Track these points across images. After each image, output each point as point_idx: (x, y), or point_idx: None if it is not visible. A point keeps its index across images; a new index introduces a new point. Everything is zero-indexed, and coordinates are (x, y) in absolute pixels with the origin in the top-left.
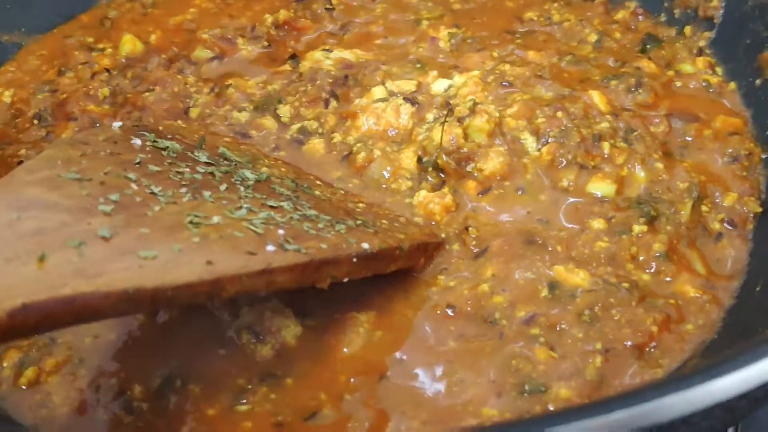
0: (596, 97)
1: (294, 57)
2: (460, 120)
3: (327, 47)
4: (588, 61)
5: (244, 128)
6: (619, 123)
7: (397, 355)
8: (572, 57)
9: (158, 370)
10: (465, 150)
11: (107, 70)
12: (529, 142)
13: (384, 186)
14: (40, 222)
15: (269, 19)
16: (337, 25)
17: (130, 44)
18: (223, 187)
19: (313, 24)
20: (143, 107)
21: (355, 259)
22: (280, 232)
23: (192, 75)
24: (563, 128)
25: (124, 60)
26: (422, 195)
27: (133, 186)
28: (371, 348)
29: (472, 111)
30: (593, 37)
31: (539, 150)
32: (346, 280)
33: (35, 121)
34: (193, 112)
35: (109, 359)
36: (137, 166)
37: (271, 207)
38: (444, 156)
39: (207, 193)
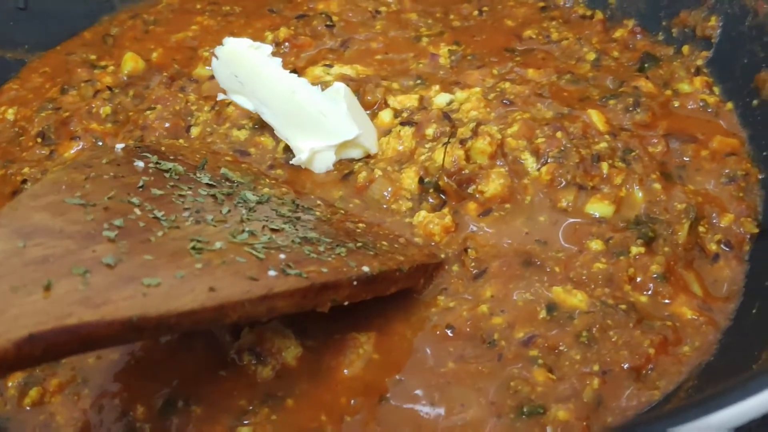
0: (595, 117)
1: (294, 73)
2: (462, 142)
3: (328, 62)
4: (587, 80)
5: (244, 146)
6: (617, 143)
7: (397, 376)
8: (571, 75)
9: (161, 391)
10: (466, 171)
11: (109, 88)
12: (529, 162)
13: (384, 206)
14: (45, 249)
15: (270, 36)
16: (337, 41)
17: (131, 62)
18: (225, 210)
19: (313, 41)
20: (145, 126)
21: (355, 283)
22: (282, 256)
23: (193, 93)
24: (563, 148)
25: (125, 78)
26: (422, 215)
27: (137, 211)
28: (371, 369)
29: (475, 132)
30: (591, 56)
31: (539, 170)
32: (346, 303)
33: (39, 140)
34: (194, 131)
35: (112, 380)
36: (140, 189)
37: (273, 230)
38: (445, 177)
39: (209, 217)
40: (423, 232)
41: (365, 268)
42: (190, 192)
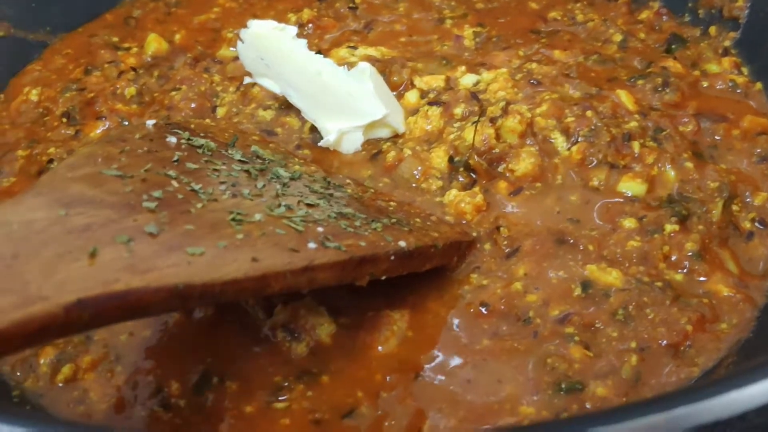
0: (624, 96)
1: (319, 54)
2: (492, 120)
3: (352, 44)
4: (614, 61)
5: (270, 126)
6: (647, 122)
7: (432, 353)
8: (598, 56)
9: (195, 367)
10: (497, 150)
11: (134, 69)
12: (559, 141)
13: (414, 185)
14: (87, 218)
15: (293, 18)
16: (360, 23)
17: (155, 43)
18: (260, 184)
19: (336, 23)
20: (170, 106)
21: (392, 257)
22: (319, 229)
23: (217, 74)
24: (593, 127)
25: (149, 59)
26: (453, 194)
27: (174, 183)
28: (406, 346)
29: (505, 111)
30: (618, 37)
31: (569, 149)
32: (383, 278)
33: (64, 120)
34: (220, 111)
35: (146, 356)
36: (175, 163)
37: (308, 205)
38: (476, 156)
39: (245, 191)
40: (454, 210)
41: (402, 243)
42: (224, 167)
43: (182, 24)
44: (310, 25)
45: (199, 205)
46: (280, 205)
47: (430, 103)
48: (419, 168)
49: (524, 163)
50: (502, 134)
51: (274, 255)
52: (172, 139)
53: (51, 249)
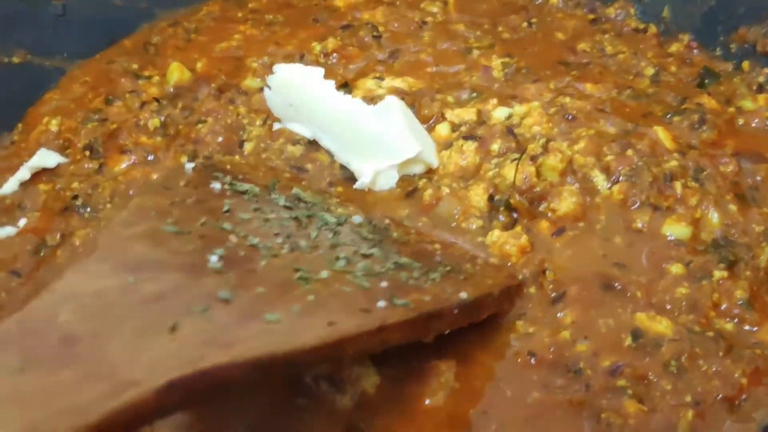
0: (661, 133)
1: (346, 85)
2: (533, 158)
3: (378, 75)
4: (648, 96)
5: (300, 162)
6: (687, 162)
7: (481, 407)
8: (632, 91)
9: (236, 425)
10: (538, 189)
11: (156, 100)
12: (600, 180)
13: (453, 224)
14: (157, 285)
15: (318, 47)
16: (385, 53)
17: (177, 72)
18: (312, 233)
19: (361, 52)
20: (197, 140)
21: (456, 311)
22: (383, 284)
23: (243, 105)
24: (634, 166)
25: (172, 89)
26: (496, 234)
27: (232, 238)
28: (454, 399)
29: (545, 149)
30: (650, 71)
31: (610, 189)
32: (447, 332)
33: (86, 153)
34: (248, 147)
35: (184, 414)
36: (227, 214)
37: (364, 255)
38: (517, 195)
39: (302, 242)
40: (498, 252)
41: (462, 294)
42: (273, 215)
43: (203, 52)
44: (335, 54)
45: (263, 263)
46: (339, 258)
47: (465, 138)
48: (458, 207)
49: (566, 203)
50: (543, 172)
51: (348, 317)
52: (217, 185)
53: (130, 324)
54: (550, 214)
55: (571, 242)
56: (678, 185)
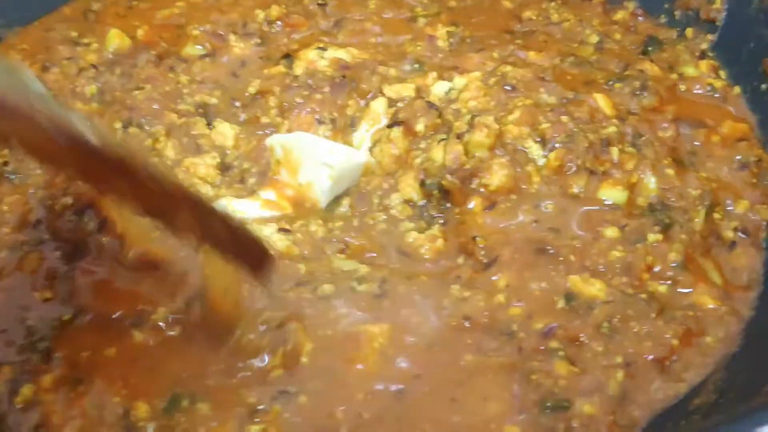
0: (601, 101)
1: (288, 57)
2: (459, 136)
3: (321, 45)
4: (590, 63)
5: None
6: (626, 128)
7: (414, 370)
8: (575, 58)
9: (164, 389)
10: (468, 167)
11: (94, 66)
12: (534, 149)
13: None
14: None
15: (261, 14)
16: (330, 21)
17: (117, 39)
18: None
19: (306, 21)
20: (132, 106)
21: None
22: None
23: (183, 73)
24: (570, 133)
25: (110, 56)
26: (413, 236)
27: None
28: (386, 363)
29: (471, 125)
30: (594, 38)
31: (546, 156)
32: None
33: None
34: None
35: (112, 376)
36: None
37: None
38: (448, 176)
39: None
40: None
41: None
42: None
43: (145, 19)
44: (279, 22)
45: None
46: None
47: (390, 125)
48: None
49: (497, 176)
50: (470, 149)
51: None
52: None
53: None
54: (482, 190)
55: (503, 213)
56: (615, 150)
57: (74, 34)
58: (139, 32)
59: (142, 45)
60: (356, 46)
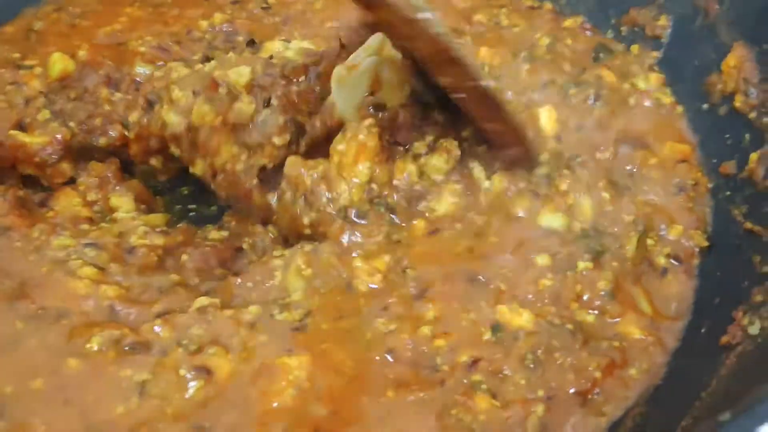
0: (544, 116)
1: (253, 43)
2: (416, 157)
3: (284, 38)
4: (545, 61)
5: None
6: (561, 147)
7: (333, 406)
8: (528, 53)
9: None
10: (418, 188)
11: (44, 94)
12: (478, 171)
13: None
14: None
15: (204, 23)
16: (276, 20)
17: (60, 63)
18: None
19: (251, 23)
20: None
21: None
22: None
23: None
24: None
25: (57, 81)
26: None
27: None
28: (302, 399)
29: (432, 149)
30: (545, 41)
31: (489, 179)
32: None
33: None
34: None
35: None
36: None
37: None
38: (395, 195)
39: None
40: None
41: None
42: None
43: (86, 37)
44: (225, 26)
45: None
46: None
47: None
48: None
49: (446, 203)
50: (427, 171)
51: None
52: None
53: None
54: (428, 214)
55: (441, 240)
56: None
57: (16, 55)
58: (81, 52)
59: (87, 66)
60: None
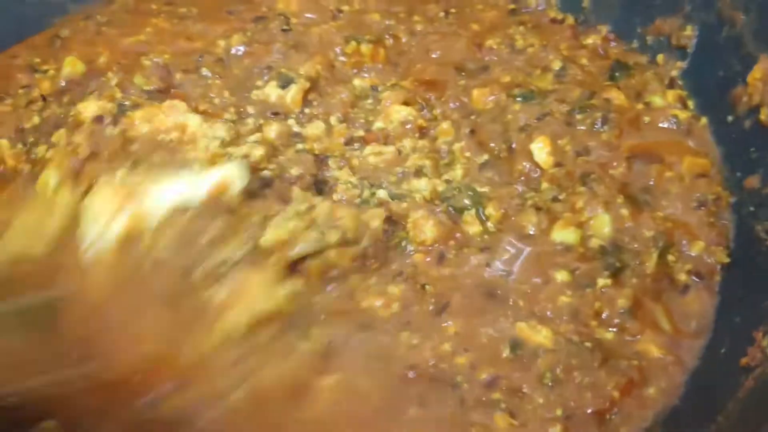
0: (537, 151)
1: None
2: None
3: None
4: (544, 95)
5: None
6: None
7: (356, 424)
8: (521, 90)
9: None
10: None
11: (43, 98)
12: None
13: None
14: None
15: (222, 44)
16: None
17: (70, 66)
18: None
19: (264, 50)
20: None
21: None
22: None
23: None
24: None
25: (63, 83)
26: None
27: None
28: (329, 416)
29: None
30: (557, 65)
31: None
32: None
33: None
34: None
35: None
36: None
37: None
38: None
39: None
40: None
41: None
42: None
43: (110, 46)
44: (240, 52)
45: None
46: None
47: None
48: None
49: (428, 230)
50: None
51: None
52: None
53: None
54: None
55: (451, 262)
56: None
57: (37, 60)
58: (102, 59)
59: (98, 71)
60: None
